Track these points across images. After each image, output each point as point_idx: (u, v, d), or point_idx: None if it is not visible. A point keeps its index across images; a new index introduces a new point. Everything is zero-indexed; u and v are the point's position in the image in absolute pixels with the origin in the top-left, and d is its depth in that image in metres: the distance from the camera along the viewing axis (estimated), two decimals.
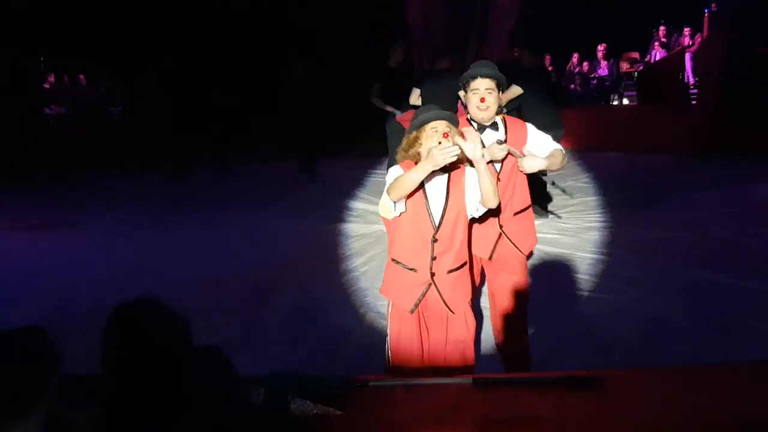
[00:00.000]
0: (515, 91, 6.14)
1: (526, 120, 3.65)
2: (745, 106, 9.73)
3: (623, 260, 5.63)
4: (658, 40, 13.02)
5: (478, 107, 3.30)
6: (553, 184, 7.96)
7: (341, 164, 10.47)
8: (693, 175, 8.79)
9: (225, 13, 11.97)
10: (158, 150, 11.01)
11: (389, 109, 7.27)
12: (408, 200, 2.93)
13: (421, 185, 2.88)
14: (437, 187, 2.96)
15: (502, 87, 3.37)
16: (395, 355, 3.11)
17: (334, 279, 5.54)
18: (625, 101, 13.42)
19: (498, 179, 3.35)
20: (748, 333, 4.17)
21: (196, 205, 8.41)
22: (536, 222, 3.95)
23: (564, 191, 7.94)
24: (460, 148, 2.82)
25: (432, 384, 2.59)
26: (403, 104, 7.03)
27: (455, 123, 2.97)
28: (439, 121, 2.92)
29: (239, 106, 11.32)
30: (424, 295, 3.01)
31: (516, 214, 3.49)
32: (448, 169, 2.95)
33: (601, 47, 13.57)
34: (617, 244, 6.07)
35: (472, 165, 2.91)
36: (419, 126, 2.96)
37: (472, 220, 3.22)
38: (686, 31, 12.49)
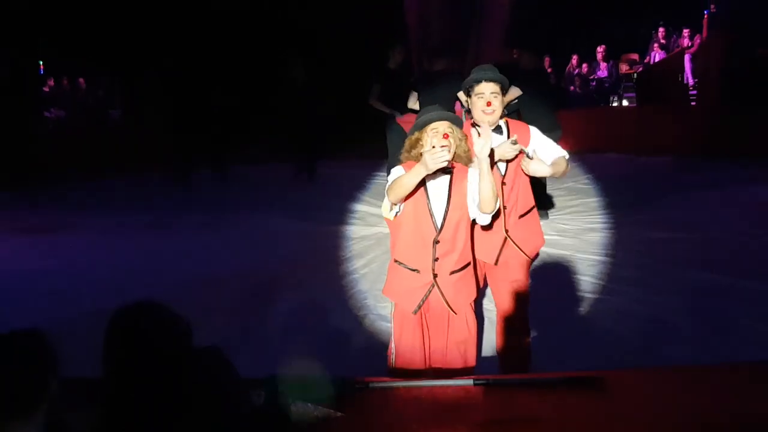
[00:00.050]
0: (514, 92, 6.14)
1: (524, 121, 3.65)
2: (744, 107, 9.73)
3: (623, 261, 5.63)
4: (658, 41, 13.03)
5: (483, 111, 3.29)
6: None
7: (342, 166, 10.47)
8: (693, 175, 8.79)
9: (225, 13, 11.95)
10: (158, 152, 10.99)
11: (388, 110, 7.27)
12: (409, 201, 2.94)
13: (424, 186, 2.89)
14: (439, 188, 2.97)
15: (505, 90, 3.37)
16: (398, 356, 3.12)
17: (335, 281, 5.54)
18: (625, 102, 13.42)
19: (503, 182, 3.36)
20: (747, 334, 4.17)
21: (196, 207, 8.41)
22: None
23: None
24: (456, 150, 2.85)
25: (433, 385, 2.59)
26: (402, 106, 7.04)
27: (458, 124, 2.98)
28: (440, 122, 2.93)
29: (239, 106, 11.31)
30: (427, 296, 3.01)
31: (521, 217, 3.48)
32: (450, 170, 2.95)
33: (600, 49, 13.58)
34: (617, 245, 6.07)
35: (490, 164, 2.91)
36: (421, 127, 2.97)
37: (477, 225, 3.23)
38: (685, 32, 12.51)
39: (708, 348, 4.00)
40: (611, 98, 13.63)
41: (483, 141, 2.78)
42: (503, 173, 3.38)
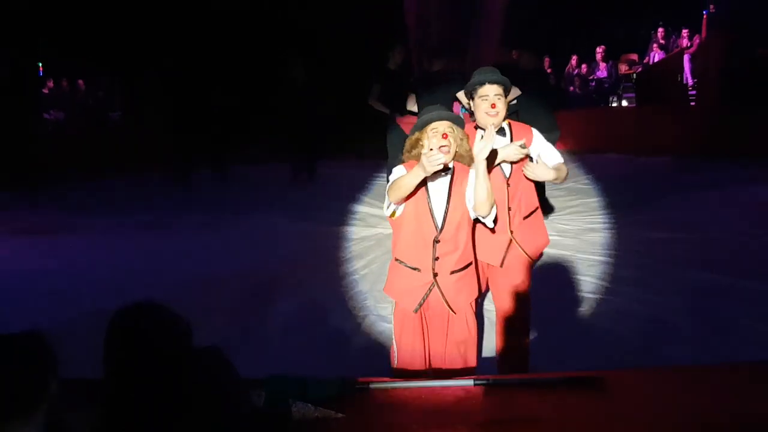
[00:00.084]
0: (513, 92, 6.13)
1: (522, 122, 3.65)
2: (743, 107, 9.74)
3: (623, 261, 5.64)
4: (657, 41, 13.04)
5: (487, 113, 3.29)
6: None
7: (342, 166, 10.47)
8: (692, 176, 8.79)
9: (225, 13, 11.95)
10: (158, 152, 10.99)
11: (388, 111, 7.26)
12: (410, 200, 2.95)
13: (425, 186, 2.90)
14: (440, 188, 2.97)
15: (508, 92, 3.37)
16: (399, 355, 3.13)
17: (335, 281, 5.54)
18: (624, 103, 13.44)
19: (507, 183, 3.36)
20: (747, 334, 4.18)
21: (196, 207, 8.40)
22: None
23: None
24: (457, 150, 2.86)
25: (433, 386, 2.59)
26: (402, 107, 7.03)
27: (459, 123, 2.98)
28: (440, 122, 2.94)
29: (239, 106, 11.30)
30: (427, 295, 3.01)
31: (525, 218, 3.48)
32: (451, 170, 2.96)
33: (599, 49, 13.59)
34: (617, 246, 6.08)
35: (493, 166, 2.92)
36: (421, 127, 2.98)
37: (481, 227, 3.24)
38: (684, 32, 12.53)
39: (708, 348, 4.01)
40: (611, 98, 13.64)
41: (483, 144, 2.78)
42: (507, 175, 3.37)
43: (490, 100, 3.28)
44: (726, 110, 10.00)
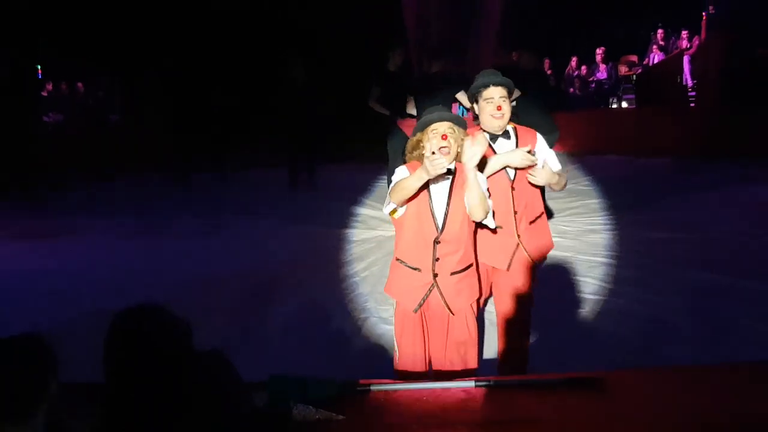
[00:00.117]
0: (515, 94, 6.13)
1: (520, 123, 3.64)
2: (743, 107, 9.75)
3: (623, 262, 5.64)
4: (656, 43, 13.04)
5: (493, 116, 3.29)
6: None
7: (342, 168, 10.48)
8: (692, 176, 8.80)
9: (225, 13, 11.94)
10: (158, 153, 11.00)
11: (388, 113, 7.27)
12: (412, 201, 2.96)
13: (426, 187, 2.90)
14: (441, 189, 2.98)
15: (512, 94, 3.37)
16: (400, 354, 3.14)
17: (335, 283, 5.54)
18: (624, 104, 13.44)
19: (512, 187, 3.35)
20: (747, 334, 4.18)
21: (196, 209, 8.40)
22: None
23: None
24: (458, 150, 2.86)
25: (434, 387, 2.59)
26: (402, 109, 7.04)
27: (460, 124, 2.99)
28: (440, 123, 2.95)
29: (239, 106, 11.30)
30: (427, 296, 3.02)
31: (531, 222, 3.47)
32: (453, 171, 2.97)
33: (599, 51, 13.59)
34: (618, 247, 6.08)
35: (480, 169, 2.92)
36: (422, 128, 3.00)
37: (489, 231, 3.25)
38: (684, 33, 12.52)
39: (708, 348, 4.01)
40: (611, 100, 13.64)
41: (473, 152, 2.78)
42: (512, 178, 3.36)
43: (495, 102, 3.28)
44: (726, 111, 10.00)
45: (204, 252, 6.53)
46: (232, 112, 11.02)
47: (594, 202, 7.85)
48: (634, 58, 13.77)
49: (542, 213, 3.57)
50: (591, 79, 13.71)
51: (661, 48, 12.96)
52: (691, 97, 11.74)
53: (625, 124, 11.88)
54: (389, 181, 5.78)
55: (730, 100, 10.06)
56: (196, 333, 1.89)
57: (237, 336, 4.41)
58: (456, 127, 2.97)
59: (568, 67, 14.01)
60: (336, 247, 6.51)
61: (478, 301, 3.23)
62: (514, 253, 3.42)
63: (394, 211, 3.01)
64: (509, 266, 3.43)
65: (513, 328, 3.54)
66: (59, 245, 7.03)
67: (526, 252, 3.44)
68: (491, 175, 3.25)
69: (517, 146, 3.36)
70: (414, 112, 6.70)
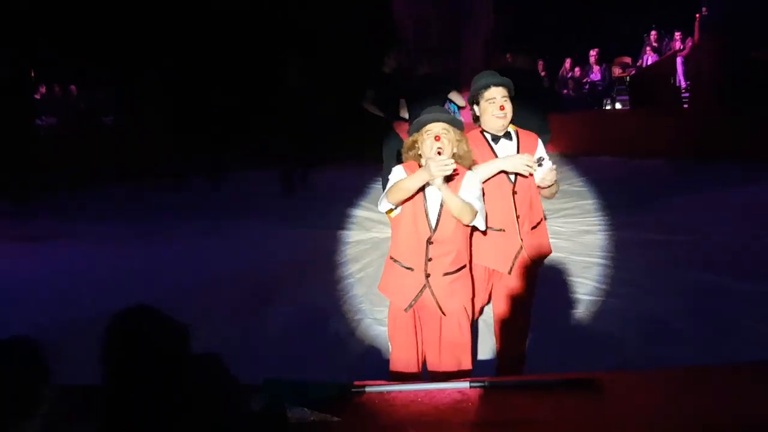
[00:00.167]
0: None
1: (514, 124, 3.63)
2: (736, 108, 9.79)
3: (618, 263, 5.64)
4: (650, 44, 13.09)
5: (496, 116, 3.28)
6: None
7: (338, 170, 10.47)
8: (686, 177, 8.82)
9: (224, 13, 11.91)
10: (155, 156, 10.97)
11: (383, 115, 7.26)
12: (408, 200, 2.94)
13: (422, 186, 2.88)
14: (436, 189, 2.96)
15: (512, 94, 3.36)
16: (393, 353, 3.14)
17: (331, 285, 5.53)
18: (618, 105, 13.47)
19: (514, 191, 3.34)
20: (748, 335, 4.17)
21: (193, 212, 8.38)
22: None
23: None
24: (455, 151, 2.86)
25: (429, 388, 2.58)
26: (396, 112, 7.03)
27: (456, 125, 2.98)
28: (435, 124, 2.94)
29: (238, 107, 11.27)
30: (419, 295, 3.01)
31: (533, 228, 3.46)
32: (454, 167, 2.96)
33: (593, 52, 13.61)
34: (612, 248, 6.08)
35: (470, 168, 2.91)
36: (417, 129, 3.00)
37: (494, 236, 3.24)
38: (677, 35, 12.57)
39: (706, 349, 4.00)
40: (604, 101, 13.67)
41: (439, 169, 2.71)
42: (513, 181, 3.34)
43: (497, 102, 3.28)
44: (719, 112, 10.04)
45: (200, 254, 6.51)
46: (232, 112, 11.00)
47: (588, 203, 7.85)
48: (627, 59, 13.82)
49: (542, 218, 3.56)
50: (585, 80, 13.74)
51: (654, 49, 13.01)
52: (685, 98, 11.78)
53: (619, 125, 11.91)
54: (383, 183, 5.77)
55: (723, 102, 10.10)
56: (194, 334, 1.88)
57: (233, 338, 4.39)
58: (451, 128, 2.96)
59: (562, 68, 14.03)
60: (331, 248, 6.50)
61: (473, 303, 3.21)
62: (516, 257, 3.40)
63: (391, 210, 3.00)
64: (511, 270, 3.41)
65: (512, 331, 3.52)
66: (56, 248, 7.00)
67: (528, 256, 3.42)
68: (490, 179, 3.23)
69: (518, 149, 3.35)
70: (406, 115, 6.69)
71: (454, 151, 2.97)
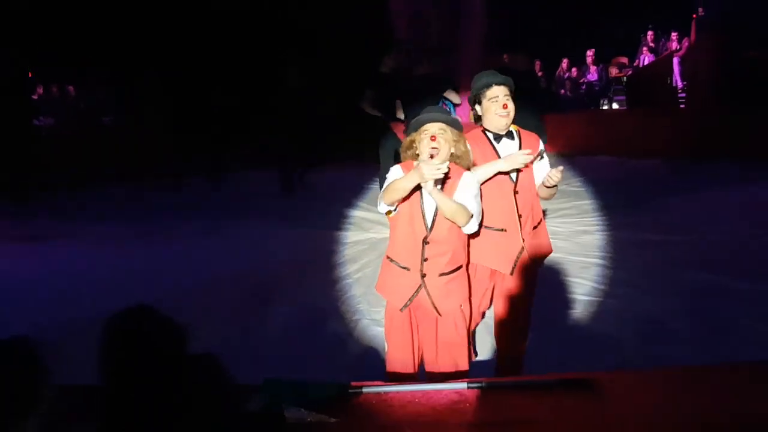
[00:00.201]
0: None
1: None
2: (733, 108, 9.80)
3: (616, 263, 5.64)
4: (647, 44, 13.10)
5: (500, 114, 3.29)
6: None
7: (335, 170, 10.46)
8: (683, 177, 8.84)
9: (224, 13, 11.89)
10: (155, 156, 10.97)
11: (381, 115, 7.25)
12: (405, 200, 2.95)
13: (419, 186, 2.87)
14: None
15: (513, 93, 3.36)
16: (389, 352, 3.13)
17: (328, 285, 5.53)
18: (615, 106, 13.48)
19: (515, 191, 3.34)
20: (746, 334, 4.17)
21: (191, 212, 8.38)
22: None
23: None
24: (453, 151, 2.86)
25: (426, 389, 2.57)
26: (394, 112, 7.03)
27: (454, 125, 2.97)
28: (432, 124, 2.94)
29: (239, 106, 11.26)
30: (415, 295, 3.00)
31: (534, 227, 3.46)
32: (446, 171, 2.95)
33: (590, 52, 13.64)
34: (610, 248, 6.08)
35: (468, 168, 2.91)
36: (415, 129, 3.00)
37: (496, 236, 3.24)
38: (674, 35, 12.58)
39: (704, 348, 4.00)
40: (601, 101, 13.69)
41: (431, 173, 2.70)
42: (515, 181, 3.34)
43: (500, 101, 3.28)
44: (715, 112, 10.06)
45: (198, 257, 6.51)
46: (232, 112, 10.99)
47: (585, 203, 7.87)
48: (624, 59, 13.84)
49: (542, 218, 3.56)
50: (582, 80, 13.76)
51: (651, 50, 13.02)
52: (681, 98, 11.81)
53: (616, 125, 11.93)
54: (381, 184, 5.76)
55: (720, 102, 10.12)
56: (193, 334, 1.87)
57: (232, 338, 4.38)
58: (449, 128, 2.95)
59: (559, 68, 14.05)
60: (329, 249, 6.50)
61: (471, 304, 3.20)
62: (518, 257, 3.39)
63: (390, 212, 3.00)
64: (513, 270, 3.40)
65: (512, 331, 3.52)
66: (55, 248, 7.03)
67: (530, 256, 3.42)
68: (490, 179, 3.22)
69: (520, 149, 3.35)
70: (402, 116, 6.69)
71: (452, 151, 2.96)
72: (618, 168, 10.11)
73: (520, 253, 3.39)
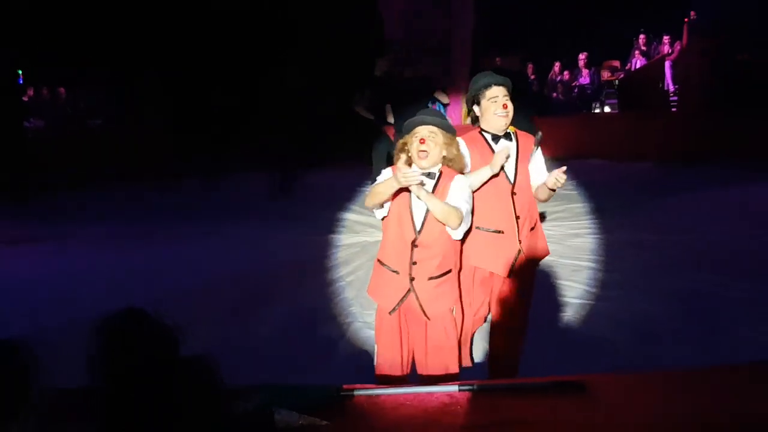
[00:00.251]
0: None
1: None
2: (724, 112, 9.85)
3: (608, 266, 5.65)
4: (638, 48, 13.15)
5: (499, 114, 3.29)
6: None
7: (327, 173, 10.45)
8: (675, 180, 8.86)
9: (223, 13, 11.86)
10: (154, 157, 10.94)
11: (373, 118, 7.27)
12: (395, 202, 2.97)
13: (408, 189, 2.87)
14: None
15: (510, 95, 3.37)
16: (379, 355, 3.13)
17: (320, 288, 5.52)
18: (607, 109, 13.52)
19: (513, 192, 3.34)
20: (743, 335, 4.18)
21: (182, 217, 8.35)
22: None
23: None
24: (445, 154, 2.87)
25: (418, 392, 2.57)
26: (385, 115, 7.04)
27: (446, 128, 2.98)
28: (422, 127, 2.95)
29: (238, 107, 11.24)
30: (404, 299, 3.00)
31: (531, 229, 3.46)
32: (437, 174, 2.96)
33: (582, 56, 13.67)
34: (602, 250, 6.10)
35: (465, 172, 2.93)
36: (407, 131, 3.01)
37: (494, 238, 3.24)
38: (666, 39, 12.64)
39: (703, 350, 4.01)
40: (593, 105, 13.72)
41: (406, 179, 2.73)
42: (512, 182, 3.35)
43: (500, 101, 3.29)
44: (707, 116, 10.10)
45: (190, 261, 6.47)
46: (231, 112, 10.98)
47: (577, 206, 7.88)
48: (616, 63, 13.88)
49: (538, 219, 3.56)
50: (574, 84, 13.79)
51: (643, 53, 13.07)
52: (673, 102, 11.85)
53: (608, 128, 11.96)
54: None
55: (711, 106, 10.16)
56: (187, 337, 1.87)
57: (226, 339, 4.39)
58: (440, 131, 2.95)
59: (551, 72, 14.08)
60: (321, 252, 6.49)
61: (463, 307, 3.20)
62: (515, 260, 3.39)
63: (384, 217, 3.02)
64: (510, 272, 3.40)
65: (509, 334, 3.52)
66: (55, 249, 7.02)
67: (527, 258, 3.42)
68: (485, 183, 3.22)
69: (518, 149, 3.36)
70: (392, 120, 6.71)
71: (444, 154, 2.97)
72: (610, 171, 10.13)
73: (518, 255, 3.39)
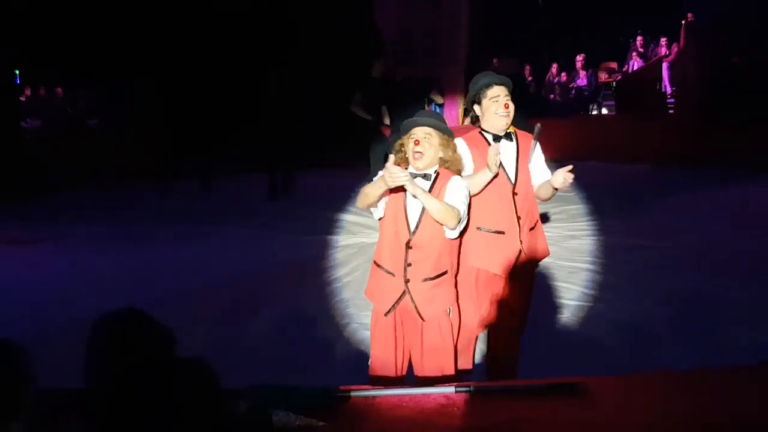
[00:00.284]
0: None
1: None
2: (721, 114, 9.87)
3: (605, 268, 5.65)
4: (636, 50, 13.18)
5: (500, 114, 3.29)
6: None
7: (324, 174, 10.45)
8: (672, 182, 8.88)
9: (221, 13, 11.85)
10: (151, 160, 10.92)
11: (370, 118, 7.27)
12: (390, 204, 2.97)
13: (404, 190, 2.87)
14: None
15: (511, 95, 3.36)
16: (373, 357, 3.13)
17: (317, 289, 5.51)
18: (604, 111, 13.54)
19: (514, 192, 3.34)
20: (741, 336, 4.18)
21: (178, 217, 8.34)
22: None
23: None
24: (441, 155, 2.88)
25: (414, 393, 2.57)
26: (380, 117, 7.05)
27: (442, 130, 2.98)
28: (418, 128, 2.96)
29: (234, 109, 11.23)
30: (399, 301, 3.00)
31: (531, 229, 3.45)
32: (434, 176, 2.96)
33: (579, 57, 13.70)
34: (599, 252, 6.10)
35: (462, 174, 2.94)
36: (404, 132, 3.03)
37: (496, 238, 3.24)
38: (663, 41, 12.67)
39: (700, 351, 4.01)
40: (591, 106, 13.74)
41: (391, 179, 2.73)
42: (514, 182, 3.34)
43: (501, 101, 3.29)
44: (704, 118, 10.12)
45: (186, 262, 6.46)
46: (226, 115, 10.97)
47: (574, 208, 7.88)
48: (613, 65, 13.91)
49: (539, 219, 3.56)
50: (571, 85, 13.81)
51: (640, 55, 13.10)
52: (670, 103, 11.88)
53: (605, 130, 11.98)
54: None
55: (708, 107, 10.18)
56: (180, 341, 1.87)
57: (219, 345, 4.36)
58: (436, 133, 2.96)
59: (549, 73, 14.11)
60: (318, 253, 6.48)
61: (460, 310, 3.20)
62: (516, 260, 3.39)
63: (381, 217, 3.02)
64: (510, 273, 3.40)
65: (509, 335, 3.50)
66: (55, 250, 7.02)
67: (528, 258, 3.41)
68: (488, 184, 3.22)
69: (518, 149, 3.36)
70: (387, 121, 6.71)
71: (440, 155, 2.97)
72: (607, 173, 10.11)
73: (519, 255, 3.39)
